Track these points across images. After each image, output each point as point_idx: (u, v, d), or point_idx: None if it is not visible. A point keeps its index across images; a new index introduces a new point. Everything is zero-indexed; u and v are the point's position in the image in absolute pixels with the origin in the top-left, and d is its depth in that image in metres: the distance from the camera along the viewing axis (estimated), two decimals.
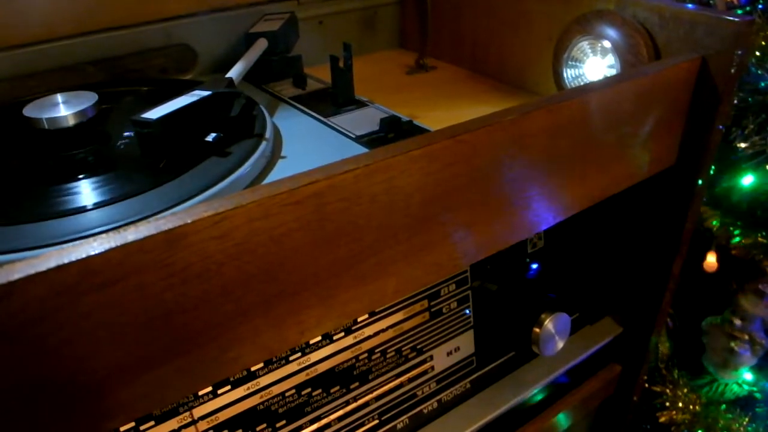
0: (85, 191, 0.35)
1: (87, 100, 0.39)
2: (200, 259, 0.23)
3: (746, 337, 0.74)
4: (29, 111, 0.38)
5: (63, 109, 0.38)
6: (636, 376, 0.59)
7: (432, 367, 0.43)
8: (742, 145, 0.59)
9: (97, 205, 0.33)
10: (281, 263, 0.26)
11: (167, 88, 0.48)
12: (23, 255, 0.29)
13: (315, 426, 0.38)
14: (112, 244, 0.21)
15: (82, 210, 0.33)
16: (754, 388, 0.77)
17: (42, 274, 0.20)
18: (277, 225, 0.25)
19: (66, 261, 0.20)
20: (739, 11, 0.64)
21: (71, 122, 0.37)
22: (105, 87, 0.50)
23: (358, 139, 0.43)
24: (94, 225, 0.31)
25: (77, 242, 0.21)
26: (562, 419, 0.55)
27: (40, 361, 0.21)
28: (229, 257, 0.24)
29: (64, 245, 0.29)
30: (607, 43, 0.45)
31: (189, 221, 0.23)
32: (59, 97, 0.39)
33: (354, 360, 0.39)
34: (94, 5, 0.52)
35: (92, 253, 0.21)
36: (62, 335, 0.22)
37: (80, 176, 0.37)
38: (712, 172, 0.45)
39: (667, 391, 0.77)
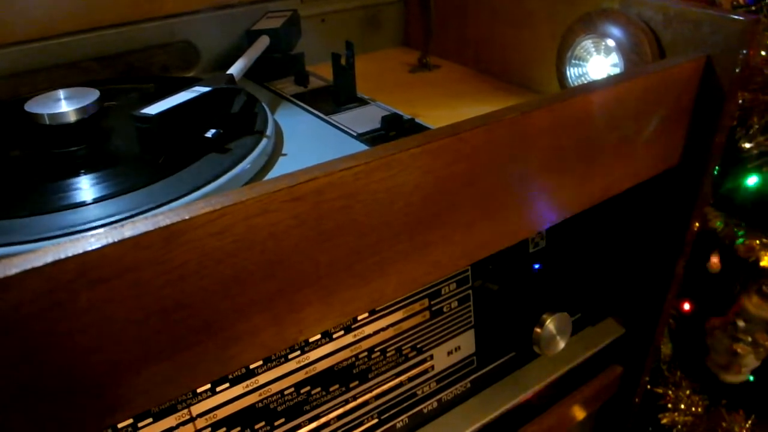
0: (85, 186, 0.35)
1: (88, 96, 0.39)
2: (198, 256, 0.23)
3: (750, 339, 0.73)
4: (31, 106, 0.38)
5: (64, 105, 0.38)
6: (638, 378, 0.58)
7: (432, 367, 0.43)
8: (747, 145, 0.59)
9: (96, 200, 0.33)
10: (280, 261, 0.26)
11: (168, 85, 0.48)
12: (23, 248, 0.29)
13: (314, 424, 0.38)
14: (109, 240, 0.21)
15: (82, 205, 0.33)
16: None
17: (38, 269, 0.20)
18: (275, 222, 0.25)
19: (63, 256, 0.20)
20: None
21: (72, 118, 0.37)
22: (107, 84, 0.50)
23: (360, 137, 0.43)
24: (93, 219, 0.31)
25: (75, 237, 0.21)
26: (563, 420, 0.54)
27: (38, 357, 0.21)
28: (227, 254, 0.24)
29: (62, 239, 0.29)
30: (611, 42, 0.45)
31: (187, 217, 0.22)
32: (61, 93, 0.39)
33: (354, 358, 0.39)
34: (97, 2, 0.52)
35: (89, 248, 0.21)
36: (59, 331, 0.21)
37: (80, 171, 0.37)
38: (716, 172, 0.45)
39: (670, 392, 0.76)
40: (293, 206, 0.25)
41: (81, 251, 0.21)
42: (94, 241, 0.21)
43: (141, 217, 0.22)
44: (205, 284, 0.24)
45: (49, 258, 0.20)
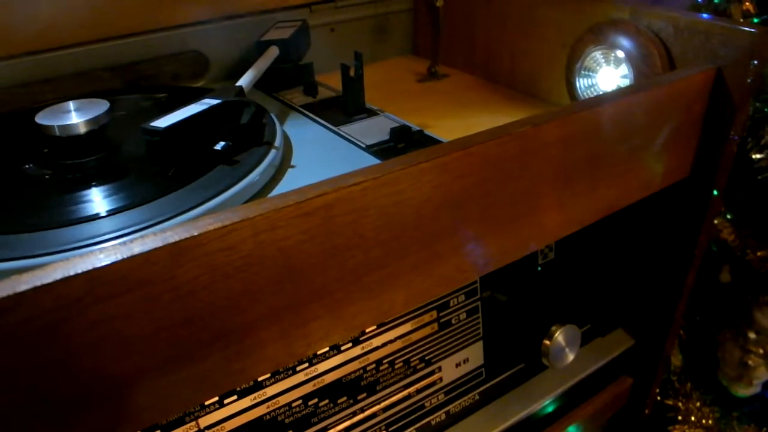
0: (95, 199, 0.35)
1: (99, 107, 0.39)
2: (207, 272, 0.23)
3: (761, 351, 0.72)
4: (41, 118, 0.38)
5: (75, 117, 0.38)
6: (648, 389, 0.58)
7: (440, 379, 0.43)
8: (758, 156, 0.58)
9: (106, 214, 0.33)
10: (288, 275, 0.26)
11: (178, 95, 0.48)
12: (32, 262, 0.29)
13: None
14: (119, 257, 0.21)
15: (91, 218, 0.33)
16: None
17: (48, 286, 0.20)
18: (284, 237, 0.25)
19: (72, 273, 0.20)
20: (756, 20, 0.63)
21: (83, 130, 0.38)
22: (117, 94, 0.50)
23: (368, 149, 0.43)
24: (102, 233, 0.31)
25: (84, 251, 0.21)
26: None
27: (47, 372, 0.21)
28: (236, 269, 0.24)
29: (72, 253, 0.29)
30: (620, 53, 0.45)
31: (195, 234, 0.22)
32: (71, 105, 0.39)
33: (362, 371, 0.38)
34: (108, 12, 0.52)
35: (98, 265, 0.21)
36: (69, 346, 0.22)
37: (90, 184, 0.37)
38: (726, 183, 0.44)
39: (680, 404, 0.75)
40: (302, 221, 0.25)
41: (90, 267, 0.21)
42: (103, 257, 0.21)
43: (150, 231, 0.22)
44: (213, 299, 0.24)
45: (59, 274, 0.20)
